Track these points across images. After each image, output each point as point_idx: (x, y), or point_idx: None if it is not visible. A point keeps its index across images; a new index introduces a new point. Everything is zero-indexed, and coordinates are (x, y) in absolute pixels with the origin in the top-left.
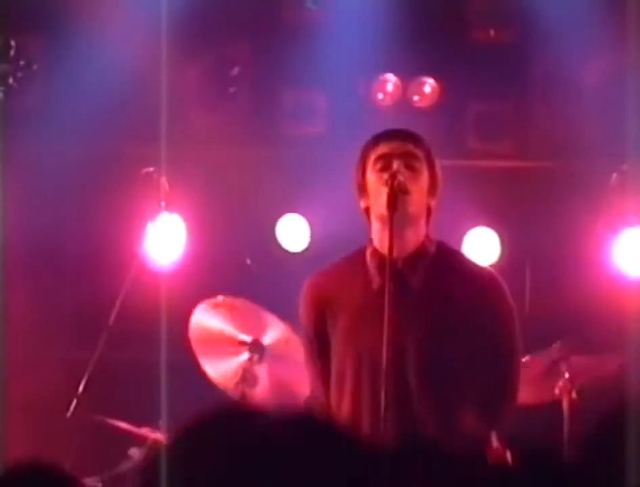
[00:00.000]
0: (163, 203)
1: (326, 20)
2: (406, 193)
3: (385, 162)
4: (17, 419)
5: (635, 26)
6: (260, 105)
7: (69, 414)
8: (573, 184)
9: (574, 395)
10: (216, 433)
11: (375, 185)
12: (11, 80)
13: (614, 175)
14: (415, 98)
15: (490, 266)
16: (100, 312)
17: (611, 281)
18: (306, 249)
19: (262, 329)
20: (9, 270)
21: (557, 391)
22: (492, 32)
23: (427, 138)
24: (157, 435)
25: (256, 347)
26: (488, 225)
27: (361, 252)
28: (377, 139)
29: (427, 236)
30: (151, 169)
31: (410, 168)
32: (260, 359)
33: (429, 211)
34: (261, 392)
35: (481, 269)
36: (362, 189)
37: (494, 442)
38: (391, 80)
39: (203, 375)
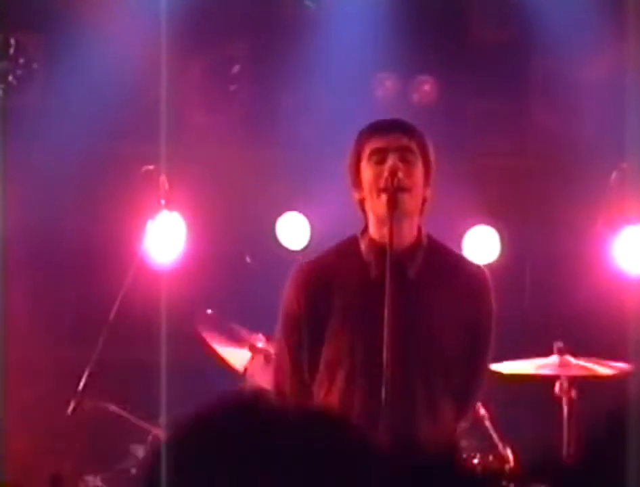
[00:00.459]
0: (163, 202)
1: (326, 19)
2: (405, 190)
3: (380, 156)
4: (17, 419)
5: (635, 26)
6: (260, 103)
7: (69, 411)
8: (573, 182)
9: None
10: (227, 422)
11: (371, 180)
12: (10, 78)
13: (614, 173)
14: (414, 97)
15: (490, 264)
16: (100, 311)
17: (611, 279)
18: (306, 248)
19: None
20: (8, 269)
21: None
22: (491, 32)
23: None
24: (158, 431)
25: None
26: (488, 223)
27: (352, 241)
28: (371, 131)
29: (419, 227)
30: (151, 167)
31: (405, 161)
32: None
33: (424, 200)
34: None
35: (470, 263)
36: (357, 180)
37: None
38: (390, 79)
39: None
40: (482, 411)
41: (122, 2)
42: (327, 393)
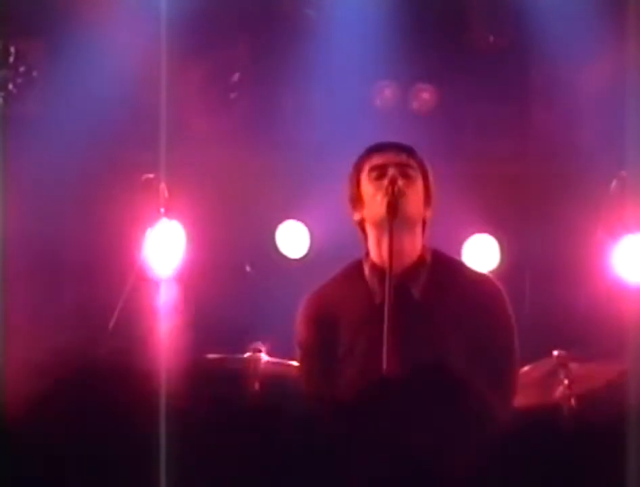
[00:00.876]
0: (162, 210)
1: (326, 27)
2: (405, 197)
3: (380, 171)
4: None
5: (635, 30)
6: (260, 111)
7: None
8: (573, 190)
9: (573, 402)
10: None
11: (371, 193)
12: (10, 86)
13: (614, 181)
14: (414, 104)
15: (490, 272)
16: (100, 319)
17: (611, 287)
18: (306, 256)
19: None
20: (7, 278)
21: (556, 398)
22: (490, 38)
23: (425, 145)
24: None
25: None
26: (488, 232)
27: (357, 265)
28: (370, 151)
29: (423, 246)
30: (151, 175)
31: (406, 176)
32: None
33: (424, 222)
34: None
35: (480, 276)
36: (357, 200)
37: None
38: (390, 87)
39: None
40: None
41: (122, 10)
42: None
